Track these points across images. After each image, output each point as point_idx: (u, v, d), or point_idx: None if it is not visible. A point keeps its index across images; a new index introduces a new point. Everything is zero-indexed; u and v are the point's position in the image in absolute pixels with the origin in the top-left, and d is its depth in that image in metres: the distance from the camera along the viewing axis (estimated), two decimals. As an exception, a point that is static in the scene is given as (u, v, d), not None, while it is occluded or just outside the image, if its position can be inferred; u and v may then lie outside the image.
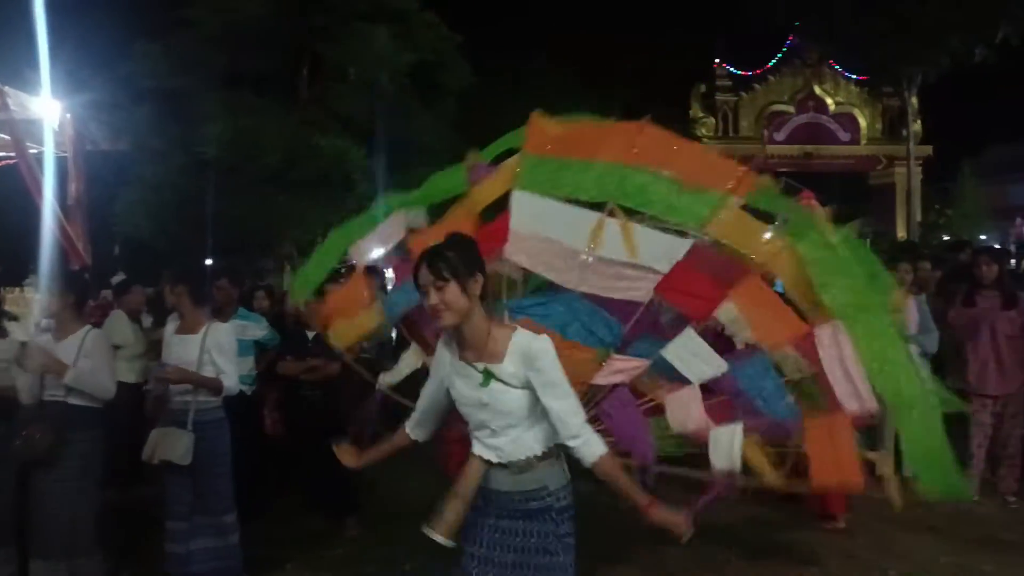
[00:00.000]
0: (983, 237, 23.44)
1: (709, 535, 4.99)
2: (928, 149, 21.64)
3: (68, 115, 8.91)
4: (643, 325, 3.36)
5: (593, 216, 3.22)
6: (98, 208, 10.69)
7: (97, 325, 4.51)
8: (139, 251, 10.93)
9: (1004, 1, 13.71)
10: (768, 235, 3.16)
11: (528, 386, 2.37)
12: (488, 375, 2.36)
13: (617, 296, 3.22)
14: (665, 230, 3.31)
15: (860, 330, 2.99)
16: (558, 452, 2.47)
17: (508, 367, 2.36)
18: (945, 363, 5.94)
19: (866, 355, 2.98)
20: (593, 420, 2.73)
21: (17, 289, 8.03)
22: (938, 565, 4.51)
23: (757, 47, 23.18)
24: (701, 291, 3.15)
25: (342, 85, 9.05)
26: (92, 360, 3.77)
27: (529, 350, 2.35)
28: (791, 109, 22.54)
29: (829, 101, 22.53)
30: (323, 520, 5.23)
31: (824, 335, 3.03)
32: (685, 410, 3.18)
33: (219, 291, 4.89)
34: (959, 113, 23.77)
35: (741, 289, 3.11)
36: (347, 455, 2.71)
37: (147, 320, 6.50)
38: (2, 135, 8.10)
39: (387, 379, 3.82)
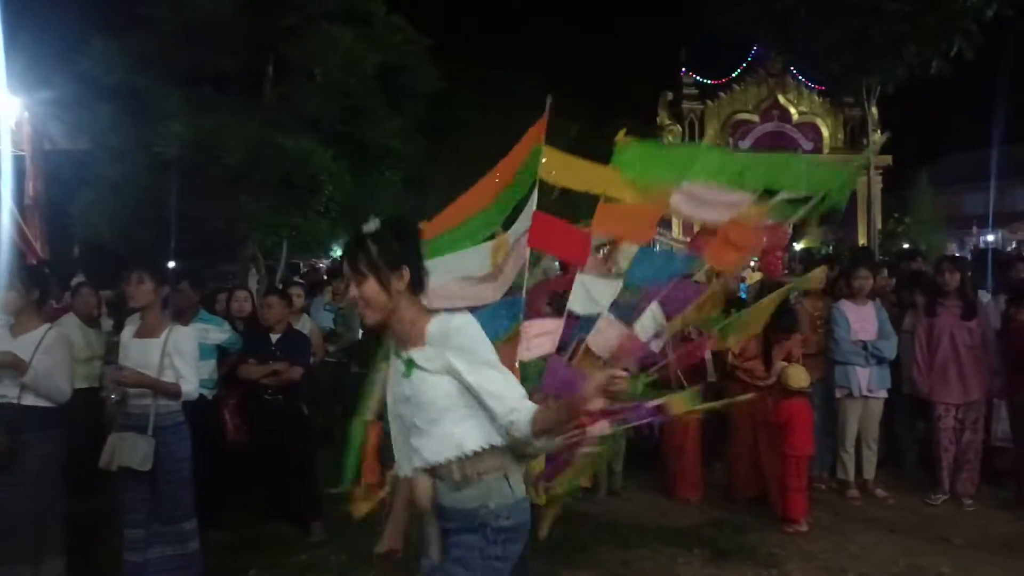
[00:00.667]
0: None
1: (670, 537, 5.03)
2: (888, 159, 22.11)
3: (26, 113, 8.71)
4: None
5: (484, 247, 3.51)
6: (57, 208, 10.43)
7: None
8: (99, 253, 10.68)
9: (958, 16, 14.06)
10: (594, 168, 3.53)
11: (449, 371, 2.17)
12: (410, 363, 2.20)
13: (516, 272, 3.46)
14: None
15: (699, 174, 3.45)
16: (502, 463, 2.24)
17: (428, 350, 2.18)
18: (903, 369, 6.05)
19: (716, 179, 3.47)
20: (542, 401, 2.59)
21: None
22: (897, 567, 4.59)
23: (723, 57, 23.54)
24: (568, 235, 3.47)
25: (307, 86, 8.94)
26: (50, 358, 3.70)
27: (447, 328, 2.17)
28: (755, 118, 22.93)
29: (792, 110, 22.95)
30: (286, 526, 5.15)
31: (676, 199, 3.44)
32: (605, 336, 3.39)
33: (180, 295, 4.79)
34: (917, 124, 24.35)
35: (600, 219, 3.48)
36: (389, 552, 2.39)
37: (107, 323, 6.35)
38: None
39: None
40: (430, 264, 2.97)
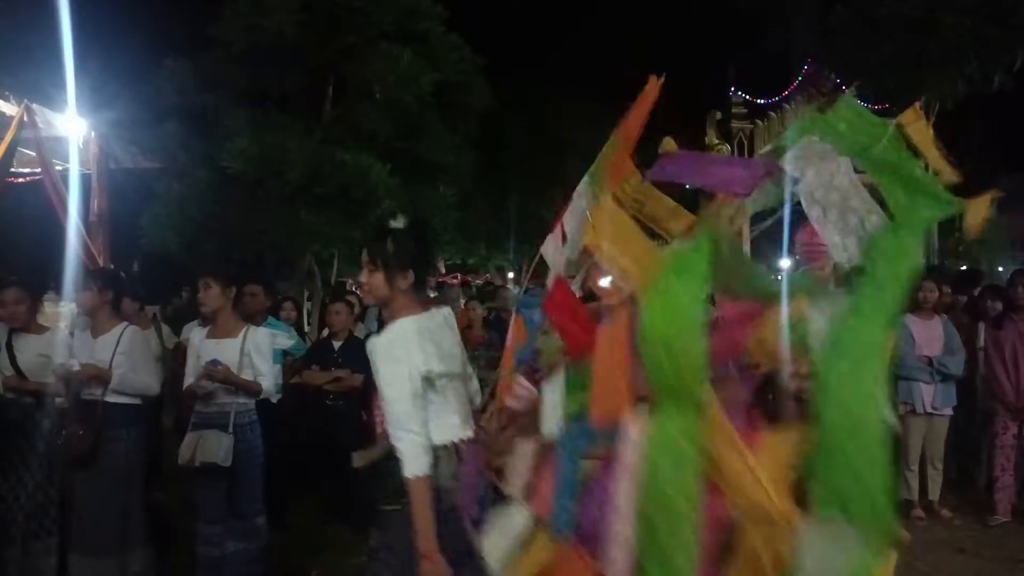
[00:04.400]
0: (1000, 269, 23.31)
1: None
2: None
3: (93, 133, 9.02)
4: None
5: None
6: (120, 224, 10.82)
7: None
8: (156, 267, 11.05)
9: (1021, 28, 13.73)
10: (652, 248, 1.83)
11: None
12: None
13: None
14: None
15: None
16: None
17: None
18: (974, 385, 5.91)
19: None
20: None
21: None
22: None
23: (772, 76, 23.29)
24: (581, 320, 1.99)
25: (366, 103, 9.13)
26: (129, 357, 3.84)
27: (370, 346, 2.34)
28: (806, 136, 22.54)
29: (845, 128, 22.54)
30: (346, 529, 5.22)
31: None
32: (520, 464, 2.08)
33: (252, 298, 4.93)
34: (976, 140, 23.70)
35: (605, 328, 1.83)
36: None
37: (166, 330, 6.56)
38: (28, 151, 8.22)
39: None
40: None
